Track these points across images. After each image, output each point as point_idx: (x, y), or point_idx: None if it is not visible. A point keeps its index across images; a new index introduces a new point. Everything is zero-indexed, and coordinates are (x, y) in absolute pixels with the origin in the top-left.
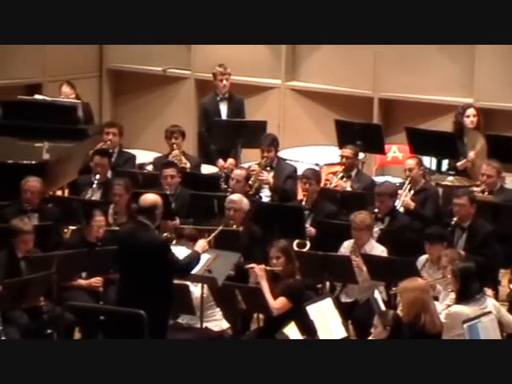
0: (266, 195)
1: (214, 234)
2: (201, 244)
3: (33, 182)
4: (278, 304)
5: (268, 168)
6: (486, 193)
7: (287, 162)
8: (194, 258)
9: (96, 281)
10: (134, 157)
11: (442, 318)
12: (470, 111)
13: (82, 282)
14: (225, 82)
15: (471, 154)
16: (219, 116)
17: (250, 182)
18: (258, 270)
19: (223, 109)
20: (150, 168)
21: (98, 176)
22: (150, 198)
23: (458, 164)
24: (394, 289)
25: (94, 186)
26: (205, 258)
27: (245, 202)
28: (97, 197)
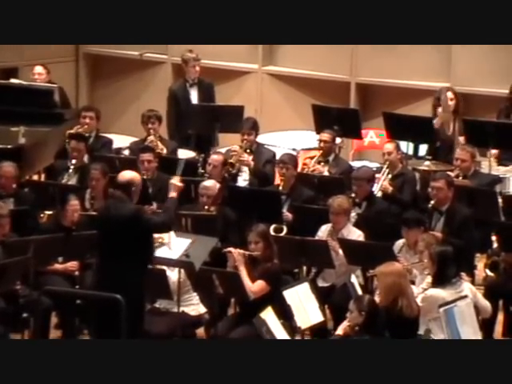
0: (244, 179)
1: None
2: (174, 185)
3: (7, 168)
4: (256, 287)
5: (248, 151)
6: (461, 177)
7: (265, 146)
8: (171, 209)
9: (72, 265)
10: (110, 141)
11: (419, 301)
12: (448, 95)
13: (58, 266)
14: (197, 68)
15: (439, 110)
16: (189, 102)
17: (231, 161)
18: (237, 254)
19: (193, 94)
20: (126, 153)
21: (74, 161)
22: (127, 174)
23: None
24: (370, 271)
25: (71, 170)
26: (183, 243)
27: (218, 188)
28: (73, 181)
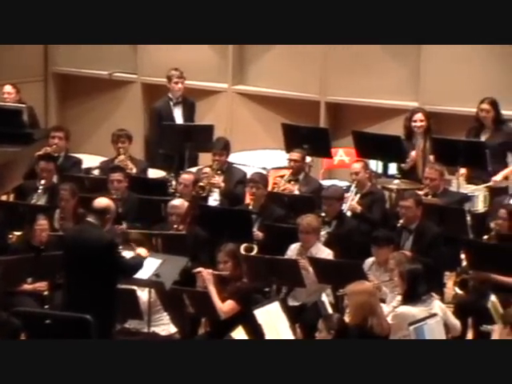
0: (214, 199)
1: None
2: (142, 251)
3: None
4: (226, 307)
5: (219, 172)
6: (430, 196)
7: (235, 165)
8: (140, 261)
9: (41, 285)
10: (80, 161)
11: (389, 319)
12: (417, 116)
13: (27, 286)
14: (180, 85)
15: (413, 153)
16: (172, 120)
17: (201, 184)
18: (206, 274)
19: (177, 113)
20: (96, 172)
21: (43, 181)
22: (104, 200)
23: (403, 165)
24: (340, 290)
25: (40, 190)
26: (154, 262)
27: (187, 207)
28: (43, 202)
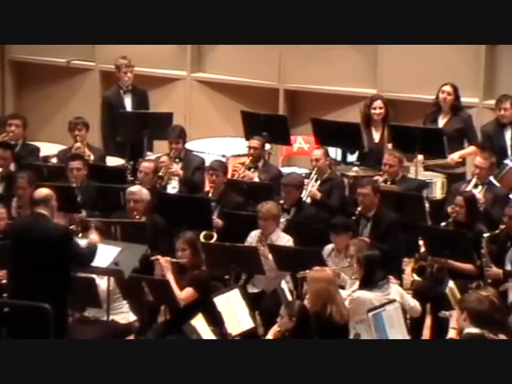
0: (173, 187)
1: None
2: (94, 237)
3: None
4: (183, 295)
5: (176, 160)
6: (389, 182)
7: (194, 153)
8: (94, 248)
9: None
10: (37, 149)
11: (346, 303)
12: (377, 103)
13: None
14: (129, 74)
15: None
16: (123, 109)
17: (160, 174)
18: (164, 261)
19: (127, 101)
20: (54, 160)
21: (0, 169)
22: (44, 190)
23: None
24: (301, 272)
25: None
26: (112, 250)
27: (145, 193)
28: None
